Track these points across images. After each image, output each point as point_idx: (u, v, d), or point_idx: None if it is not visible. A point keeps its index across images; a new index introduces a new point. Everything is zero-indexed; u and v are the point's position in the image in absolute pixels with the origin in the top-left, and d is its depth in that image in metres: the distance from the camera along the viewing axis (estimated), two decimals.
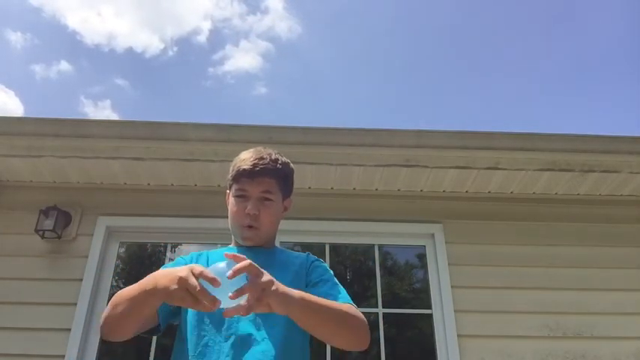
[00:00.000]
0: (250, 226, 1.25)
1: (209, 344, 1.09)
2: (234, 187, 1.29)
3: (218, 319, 1.10)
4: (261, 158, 1.25)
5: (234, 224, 1.28)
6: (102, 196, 3.17)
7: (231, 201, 1.30)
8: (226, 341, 1.08)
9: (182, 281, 0.86)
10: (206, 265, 1.10)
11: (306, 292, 1.07)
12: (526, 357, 2.80)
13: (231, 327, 1.10)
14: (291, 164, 1.34)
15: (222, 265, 0.89)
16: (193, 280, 0.85)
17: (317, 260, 1.31)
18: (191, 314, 1.15)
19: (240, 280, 0.88)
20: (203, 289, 0.85)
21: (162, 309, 1.07)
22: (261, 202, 1.25)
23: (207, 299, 0.85)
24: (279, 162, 1.28)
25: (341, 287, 1.22)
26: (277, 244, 1.51)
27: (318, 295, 1.08)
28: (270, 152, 1.29)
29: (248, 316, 1.04)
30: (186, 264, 0.94)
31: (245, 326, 1.10)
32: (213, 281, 0.85)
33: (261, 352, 1.06)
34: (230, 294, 0.86)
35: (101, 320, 1.05)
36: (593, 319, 2.90)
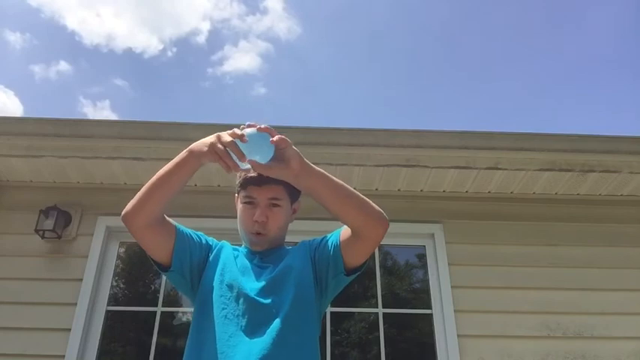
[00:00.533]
0: (258, 233, 1.26)
1: (228, 316, 1.15)
2: (242, 193, 1.29)
3: (235, 295, 1.19)
4: None
5: (243, 230, 1.30)
6: (102, 196, 3.17)
7: (239, 207, 1.30)
8: (243, 314, 1.15)
9: (212, 145, 1.04)
10: (220, 253, 1.30)
11: (319, 254, 1.27)
12: (526, 357, 2.80)
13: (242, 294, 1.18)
14: None
15: (249, 130, 1.04)
16: (220, 147, 1.02)
17: (316, 238, 1.34)
18: (214, 290, 1.22)
19: (268, 149, 1.04)
20: (226, 153, 1.02)
21: (177, 247, 1.22)
22: (269, 209, 1.26)
23: (229, 161, 1.02)
24: None
25: None
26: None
27: (330, 237, 1.28)
28: None
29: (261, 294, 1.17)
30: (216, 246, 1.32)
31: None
32: (241, 137, 1.01)
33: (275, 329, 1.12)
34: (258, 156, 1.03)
35: (129, 204, 1.17)
36: (593, 319, 2.90)
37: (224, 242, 1.36)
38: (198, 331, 1.17)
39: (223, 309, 1.16)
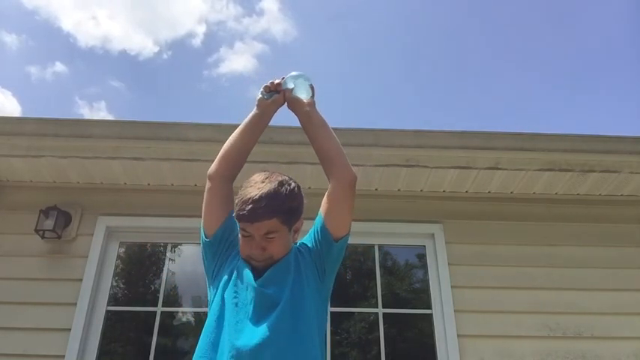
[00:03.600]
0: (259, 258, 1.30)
1: (238, 304, 1.25)
2: (238, 224, 1.30)
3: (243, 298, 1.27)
4: (260, 199, 1.23)
5: (243, 254, 1.33)
6: (102, 196, 3.17)
7: (239, 235, 1.32)
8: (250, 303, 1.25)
9: (259, 99, 1.43)
10: (235, 259, 1.37)
11: (316, 248, 1.36)
12: (526, 357, 2.80)
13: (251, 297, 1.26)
14: (297, 189, 1.35)
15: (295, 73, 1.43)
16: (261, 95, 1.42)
17: (300, 244, 1.41)
18: (227, 291, 1.30)
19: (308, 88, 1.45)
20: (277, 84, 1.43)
21: (226, 223, 1.37)
22: (266, 241, 1.28)
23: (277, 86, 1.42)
24: (281, 197, 1.27)
25: None
26: None
27: (315, 223, 1.39)
28: (273, 186, 1.27)
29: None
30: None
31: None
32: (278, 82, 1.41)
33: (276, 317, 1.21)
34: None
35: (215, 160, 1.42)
36: (593, 319, 2.90)
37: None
38: (217, 316, 1.25)
39: (235, 297, 1.26)
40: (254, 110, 1.44)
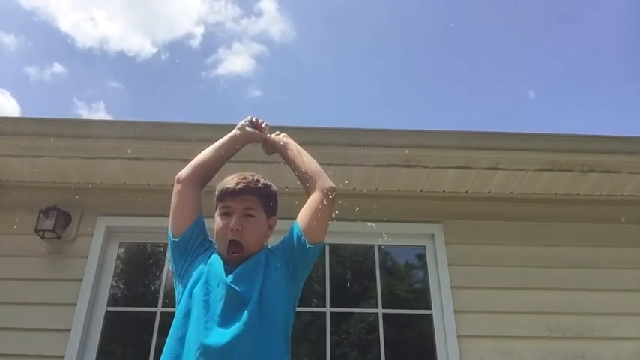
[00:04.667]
0: (233, 241, 1.33)
1: (208, 302, 1.25)
2: (219, 206, 1.39)
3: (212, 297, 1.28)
4: (244, 178, 1.38)
5: (219, 241, 1.36)
6: (102, 196, 3.17)
7: (216, 221, 1.38)
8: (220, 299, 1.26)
9: (241, 127, 1.56)
10: (212, 250, 1.39)
11: (290, 250, 1.38)
12: (526, 357, 2.80)
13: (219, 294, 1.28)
14: (274, 187, 1.47)
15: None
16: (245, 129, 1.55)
17: (271, 246, 1.45)
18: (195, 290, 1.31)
19: None
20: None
21: (194, 225, 1.43)
22: (244, 218, 1.34)
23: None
24: (261, 183, 1.40)
25: None
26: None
27: (291, 227, 1.41)
28: (252, 174, 1.41)
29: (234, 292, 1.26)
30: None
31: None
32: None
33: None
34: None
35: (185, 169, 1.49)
36: (593, 319, 2.90)
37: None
38: (184, 313, 1.26)
39: (205, 294, 1.26)
40: (233, 131, 1.55)
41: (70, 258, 2.99)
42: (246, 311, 1.21)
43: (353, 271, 3.42)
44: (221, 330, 1.18)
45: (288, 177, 2.89)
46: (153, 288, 3.21)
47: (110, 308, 2.95)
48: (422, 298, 3.13)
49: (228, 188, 1.36)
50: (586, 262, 3.06)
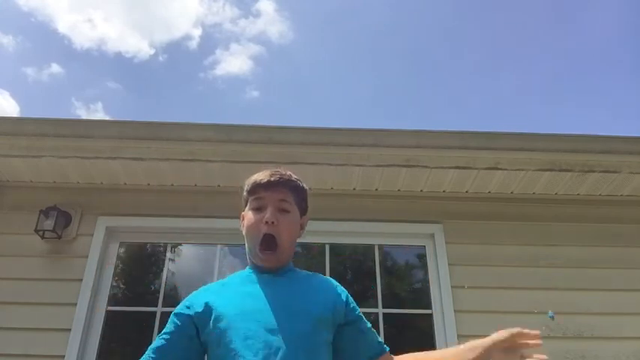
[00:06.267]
0: (267, 236, 1.20)
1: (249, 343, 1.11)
2: (250, 200, 1.27)
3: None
4: (277, 172, 1.27)
5: (252, 238, 1.23)
6: (102, 196, 3.17)
7: (247, 216, 1.26)
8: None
9: None
10: (210, 314, 1.19)
11: (348, 328, 1.24)
12: None
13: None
14: (306, 185, 1.35)
15: None
16: None
17: (349, 296, 1.30)
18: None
19: None
20: None
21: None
22: (280, 213, 1.23)
23: None
24: (293, 179, 1.30)
25: (372, 328, 1.34)
26: None
27: (364, 337, 1.28)
28: (284, 171, 1.30)
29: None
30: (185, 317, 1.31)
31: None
32: None
33: None
34: None
35: None
36: (593, 319, 2.90)
37: (208, 290, 1.30)
38: None
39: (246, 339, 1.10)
40: None
41: (70, 258, 2.99)
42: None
43: (353, 271, 3.42)
44: None
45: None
46: (153, 288, 3.21)
47: (110, 308, 2.94)
48: (422, 297, 3.13)
49: (261, 180, 1.24)
50: (586, 262, 3.06)
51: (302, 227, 1.32)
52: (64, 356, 2.70)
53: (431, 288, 3.03)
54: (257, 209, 1.24)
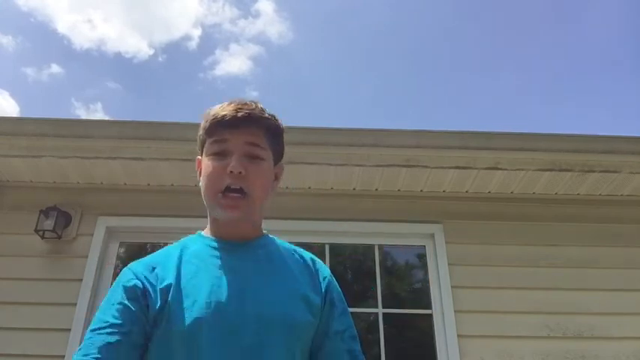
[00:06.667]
0: (234, 190, 0.92)
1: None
2: (208, 143, 0.97)
3: None
4: (244, 105, 0.96)
5: (210, 190, 0.95)
6: (102, 196, 3.17)
7: (205, 165, 0.98)
8: None
9: None
10: (157, 278, 0.90)
11: (327, 315, 0.96)
12: (526, 357, 2.80)
13: None
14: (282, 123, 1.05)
15: None
16: None
17: (330, 274, 1.05)
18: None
19: None
20: None
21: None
22: (249, 161, 0.94)
23: None
24: (266, 113, 0.99)
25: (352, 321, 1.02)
26: None
27: (342, 335, 0.97)
28: (254, 101, 0.99)
29: None
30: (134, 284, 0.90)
31: None
32: None
33: None
34: None
35: None
36: (593, 319, 2.90)
37: (153, 260, 0.98)
38: None
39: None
40: None
41: (70, 258, 2.99)
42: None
43: (353, 271, 3.42)
44: None
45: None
46: None
47: None
48: (422, 297, 3.13)
49: (224, 116, 0.93)
50: (586, 262, 3.06)
51: (276, 178, 1.04)
52: (64, 356, 2.69)
53: (431, 288, 3.03)
54: (218, 155, 0.95)
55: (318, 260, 1.07)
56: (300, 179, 3.03)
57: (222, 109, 0.96)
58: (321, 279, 1.01)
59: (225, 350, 0.83)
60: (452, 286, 2.96)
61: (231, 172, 0.92)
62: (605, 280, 3.00)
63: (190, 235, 1.05)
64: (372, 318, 3.07)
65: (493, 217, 3.19)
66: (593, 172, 3.00)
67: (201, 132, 1.00)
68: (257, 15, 15.34)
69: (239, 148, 0.94)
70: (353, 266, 3.43)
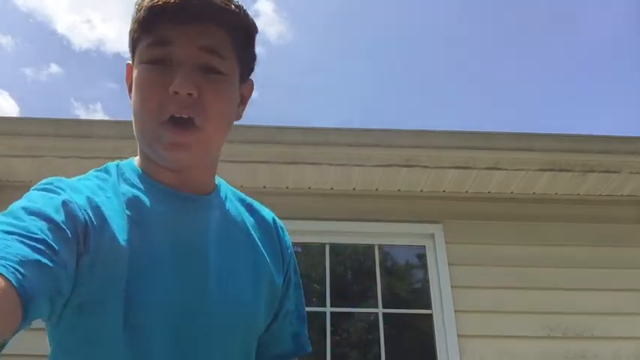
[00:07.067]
0: (181, 121, 0.64)
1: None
2: (142, 43, 0.66)
3: None
4: None
5: (146, 119, 0.66)
6: None
7: (137, 76, 0.67)
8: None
9: None
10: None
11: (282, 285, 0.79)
12: (526, 357, 2.80)
13: None
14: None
15: None
16: None
17: (290, 241, 0.86)
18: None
19: None
20: None
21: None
22: (203, 75, 0.65)
23: None
24: (232, 4, 0.66)
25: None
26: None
27: (290, 316, 0.81)
28: None
29: None
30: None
31: None
32: None
33: None
34: None
35: None
36: (593, 319, 2.90)
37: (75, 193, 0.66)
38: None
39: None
40: None
41: None
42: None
43: (353, 271, 3.42)
44: None
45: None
46: None
47: None
48: (422, 298, 3.13)
49: (167, 3, 0.61)
50: (586, 262, 3.06)
51: (243, 102, 0.77)
52: None
53: (431, 288, 3.03)
54: (157, 64, 0.65)
55: (278, 221, 0.85)
56: (300, 179, 3.03)
57: None
58: (284, 248, 0.81)
59: (178, 351, 0.64)
60: (452, 286, 2.96)
61: (176, 92, 0.62)
62: (605, 280, 3.00)
63: (120, 163, 0.73)
64: (372, 318, 3.07)
65: (493, 217, 3.19)
66: (593, 172, 3.00)
67: (133, 26, 0.67)
68: (256, 15, 15.35)
69: (189, 56, 0.64)
70: (353, 266, 3.43)
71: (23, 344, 2.75)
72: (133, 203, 0.66)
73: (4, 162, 2.99)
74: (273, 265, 0.77)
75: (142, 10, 0.64)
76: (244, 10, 0.69)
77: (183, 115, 0.63)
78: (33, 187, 0.72)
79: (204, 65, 0.65)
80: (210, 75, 0.66)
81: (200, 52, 0.65)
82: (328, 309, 2.98)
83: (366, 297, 3.20)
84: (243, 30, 0.70)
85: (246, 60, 0.74)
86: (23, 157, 2.94)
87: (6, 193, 3.16)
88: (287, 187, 3.05)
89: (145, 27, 0.65)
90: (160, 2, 0.62)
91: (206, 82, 0.65)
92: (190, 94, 0.63)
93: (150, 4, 0.63)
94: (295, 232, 3.34)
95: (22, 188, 2.98)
